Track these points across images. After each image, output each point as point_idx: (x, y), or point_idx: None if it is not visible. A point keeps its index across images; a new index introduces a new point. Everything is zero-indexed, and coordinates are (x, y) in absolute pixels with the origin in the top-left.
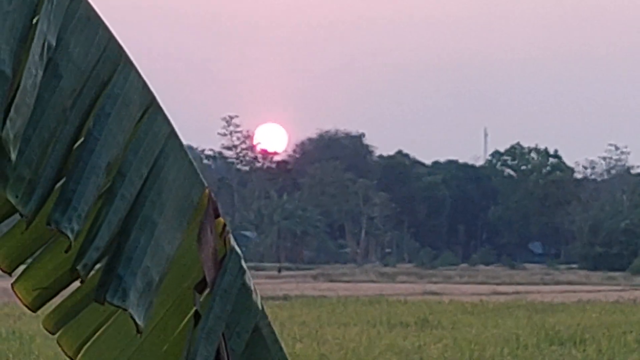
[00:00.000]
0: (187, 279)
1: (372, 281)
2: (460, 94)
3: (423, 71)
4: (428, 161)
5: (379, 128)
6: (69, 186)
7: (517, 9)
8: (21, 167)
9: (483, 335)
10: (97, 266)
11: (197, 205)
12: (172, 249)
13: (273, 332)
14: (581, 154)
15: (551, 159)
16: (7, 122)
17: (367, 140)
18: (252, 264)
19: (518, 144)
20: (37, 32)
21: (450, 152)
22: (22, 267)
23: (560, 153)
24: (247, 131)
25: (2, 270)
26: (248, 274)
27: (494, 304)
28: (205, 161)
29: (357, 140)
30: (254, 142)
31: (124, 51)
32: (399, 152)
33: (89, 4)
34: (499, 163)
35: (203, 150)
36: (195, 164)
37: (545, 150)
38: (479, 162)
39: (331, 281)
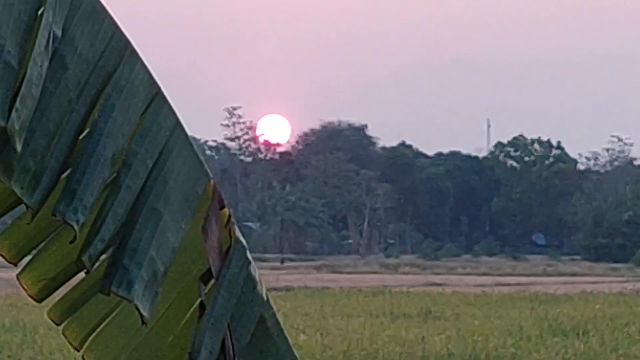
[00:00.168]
0: (192, 270)
1: (375, 272)
2: (463, 85)
3: (426, 62)
4: (431, 152)
5: (382, 119)
6: (74, 177)
7: (519, 1)
8: (26, 158)
9: (486, 326)
10: (103, 257)
11: (202, 197)
12: (177, 240)
13: (278, 323)
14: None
15: (554, 151)
16: (13, 113)
17: (370, 132)
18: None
19: (521, 135)
20: (42, 23)
21: (453, 143)
22: (27, 258)
23: (563, 144)
24: (250, 122)
25: (8, 261)
26: (253, 265)
27: (497, 295)
28: (208, 152)
29: (360, 132)
30: (257, 133)
31: (129, 42)
32: (402, 144)
33: None
34: (502, 154)
35: (206, 142)
36: (200, 155)
37: (548, 141)
38: (482, 154)
39: (334, 272)
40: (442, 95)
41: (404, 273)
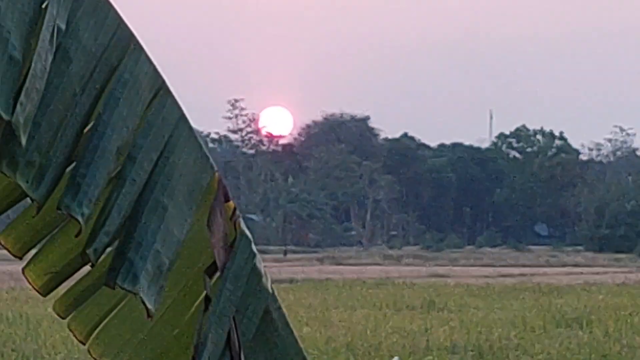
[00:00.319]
0: (198, 262)
1: (378, 264)
2: (466, 76)
3: (428, 53)
4: (433, 144)
5: (384, 111)
6: (79, 171)
7: None
8: (31, 152)
9: (489, 317)
10: (108, 250)
11: (207, 189)
12: (183, 233)
13: (283, 316)
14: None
15: (557, 141)
16: (18, 106)
17: (372, 123)
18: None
19: (523, 126)
20: (46, 17)
21: (456, 134)
22: (32, 252)
23: (565, 135)
24: (253, 114)
25: (13, 255)
26: (258, 258)
27: (500, 287)
28: (210, 145)
29: (362, 123)
30: (260, 125)
31: (133, 35)
32: (405, 135)
33: None
34: (505, 145)
35: (209, 134)
36: (205, 147)
37: (551, 132)
38: (485, 145)
39: (337, 264)
40: (445, 86)
41: (407, 264)
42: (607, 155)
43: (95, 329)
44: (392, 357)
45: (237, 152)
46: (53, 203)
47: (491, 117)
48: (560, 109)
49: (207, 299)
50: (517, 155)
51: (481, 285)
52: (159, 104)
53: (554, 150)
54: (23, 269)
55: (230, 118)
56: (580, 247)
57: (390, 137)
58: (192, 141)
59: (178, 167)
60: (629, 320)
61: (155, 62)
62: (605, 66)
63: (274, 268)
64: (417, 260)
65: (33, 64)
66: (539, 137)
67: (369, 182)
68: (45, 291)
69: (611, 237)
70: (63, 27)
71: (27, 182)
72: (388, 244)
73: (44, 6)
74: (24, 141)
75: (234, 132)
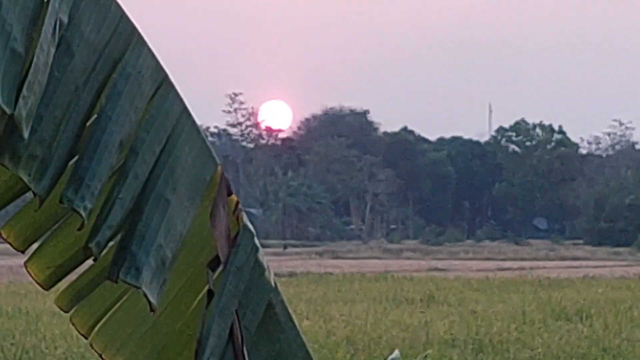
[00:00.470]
0: (200, 256)
1: (378, 258)
2: (465, 70)
3: (427, 47)
4: (433, 137)
5: (383, 104)
6: (81, 164)
7: None
8: (34, 146)
9: (489, 311)
10: (110, 244)
11: (209, 183)
12: (185, 226)
13: (286, 309)
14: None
15: (556, 135)
16: (20, 100)
17: (371, 117)
18: None
19: (522, 119)
20: (48, 10)
21: (455, 128)
22: (34, 246)
23: (564, 129)
24: (252, 108)
25: (15, 249)
26: (261, 252)
27: (500, 280)
28: (209, 138)
29: (361, 117)
30: (259, 119)
31: (136, 29)
32: (404, 129)
33: None
34: (504, 139)
35: (208, 128)
36: (208, 141)
37: (550, 126)
38: (484, 138)
39: (336, 258)
40: (444, 80)
41: (407, 258)
42: (606, 149)
43: (97, 322)
44: (392, 350)
45: (236, 146)
46: (55, 197)
47: (490, 111)
48: (559, 103)
49: (210, 293)
50: (517, 149)
51: (481, 279)
52: (161, 98)
53: (553, 144)
54: (25, 263)
55: (229, 112)
56: (579, 241)
57: (389, 131)
58: (194, 135)
59: (181, 161)
60: (628, 314)
61: (157, 56)
62: (604, 60)
63: (274, 262)
64: (416, 253)
65: (35, 58)
66: (538, 130)
67: (368, 176)
68: (47, 285)
69: (610, 231)
70: (65, 20)
71: (30, 175)
72: (387, 237)
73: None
74: (26, 135)
75: (233, 126)
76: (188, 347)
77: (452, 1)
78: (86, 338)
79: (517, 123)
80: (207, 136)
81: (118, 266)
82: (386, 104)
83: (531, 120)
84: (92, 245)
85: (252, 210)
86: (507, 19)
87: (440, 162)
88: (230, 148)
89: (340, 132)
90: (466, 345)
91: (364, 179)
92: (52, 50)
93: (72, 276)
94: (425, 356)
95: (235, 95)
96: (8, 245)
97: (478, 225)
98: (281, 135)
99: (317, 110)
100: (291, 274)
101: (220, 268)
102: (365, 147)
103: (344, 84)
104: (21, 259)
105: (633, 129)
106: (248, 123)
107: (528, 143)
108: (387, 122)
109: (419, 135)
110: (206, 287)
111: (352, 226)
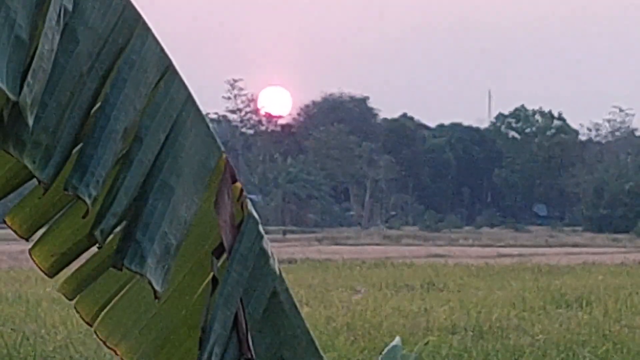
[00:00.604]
0: (205, 244)
1: (377, 244)
2: (465, 56)
3: (427, 33)
4: (432, 124)
5: (383, 91)
6: (86, 151)
7: None
8: (38, 133)
9: (489, 297)
10: (115, 232)
11: (214, 170)
12: (190, 214)
13: (291, 297)
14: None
15: (555, 122)
16: (24, 87)
17: (371, 103)
18: None
19: (522, 106)
20: None
21: (455, 114)
22: (39, 233)
23: (564, 115)
24: (252, 94)
25: (19, 236)
26: (265, 239)
27: (499, 267)
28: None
29: (361, 103)
30: (259, 106)
31: (140, 16)
32: (404, 115)
33: None
34: (504, 126)
35: (207, 114)
36: (212, 128)
37: (550, 112)
38: (484, 125)
39: (336, 244)
40: (444, 66)
41: (406, 245)
42: (605, 136)
43: (102, 310)
44: (393, 337)
45: (236, 133)
46: (60, 184)
47: (490, 97)
48: (559, 89)
49: (215, 281)
50: (516, 135)
51: (480, 266)
52: (166, 85)
53: (552, 130)
54: (30, 250)
55: (229, 98)
56: (579, 228)
57: (389, 117)
58: (199, 122)
59: (185, 148)
60: (628, 300)
61: (162, 43)
62: (604, 46)
63: (273, 248)
64: (416, 240)
65: (40, 45)
66: (537, 117)
67: (368, 163)
68: (52, 272)
69: (610, 218)
70: (70, 7)
71: (34, 162)
72: (387, 224)
73: None
74: (30, 122)
75: (233, 112)
76: (192, 334)
77: None
78: (90, 325)
79: (516, 109)
80: None
81: (122, 254)
82: (386, 90)
83: (531, 106)
84: (96, 232)
85: (252, 197)
86: (507, 5)
87: (440, 148)
88: (230, 134)
89: (340, 119)
90: (466, 332)
91: (364, 165)
92: (57, 37)
93: (77, 264)
94: (426, 343)
95: (235, 81)
96: (8, 231)
97: (478, 211)
98: (281, 121)
99: (317, 96)
100: (290, 261)
101: (224, 255)
102: (365, 133)
103: (343, 70)
104: (21, 245)
105: (633, 115)
106: (248, 109)
107: (528, 129)
108: (386, 108)
109: (418, 122)
110: (211, 275)
111: (352, 212)
